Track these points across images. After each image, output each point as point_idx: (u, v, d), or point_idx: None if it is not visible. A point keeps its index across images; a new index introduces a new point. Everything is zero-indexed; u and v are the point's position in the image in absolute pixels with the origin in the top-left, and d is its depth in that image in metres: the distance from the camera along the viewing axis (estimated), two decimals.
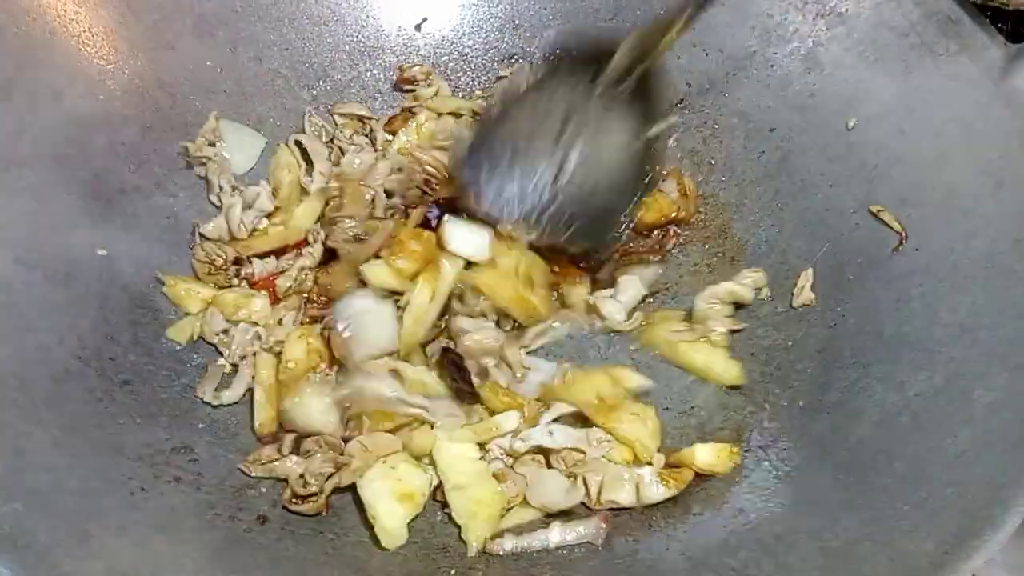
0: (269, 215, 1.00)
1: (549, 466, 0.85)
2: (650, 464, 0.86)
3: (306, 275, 0.95)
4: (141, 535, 0.72)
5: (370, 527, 0.80)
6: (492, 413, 0.88)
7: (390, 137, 1.05)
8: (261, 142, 1.04)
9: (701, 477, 0.85)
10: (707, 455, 0.85)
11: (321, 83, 1.08)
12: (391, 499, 0.80)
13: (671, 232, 1.02)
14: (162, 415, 0.84)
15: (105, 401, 0.81)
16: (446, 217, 0.91)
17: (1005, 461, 0.70)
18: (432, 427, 0.85)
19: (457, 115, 1.06)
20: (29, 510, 0.67)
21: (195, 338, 0.91)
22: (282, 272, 0.96)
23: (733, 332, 0.94)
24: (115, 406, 0.81)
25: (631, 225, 0.94)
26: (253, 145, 1.04)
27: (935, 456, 0.73)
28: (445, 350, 0.90)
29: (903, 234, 0.88)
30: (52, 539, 0.66)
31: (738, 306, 0.96)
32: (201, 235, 0.97)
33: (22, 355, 0.78)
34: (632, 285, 0.97)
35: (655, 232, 1.02)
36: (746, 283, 0.96)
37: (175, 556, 0.71)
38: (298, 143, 1.02)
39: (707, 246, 1.02)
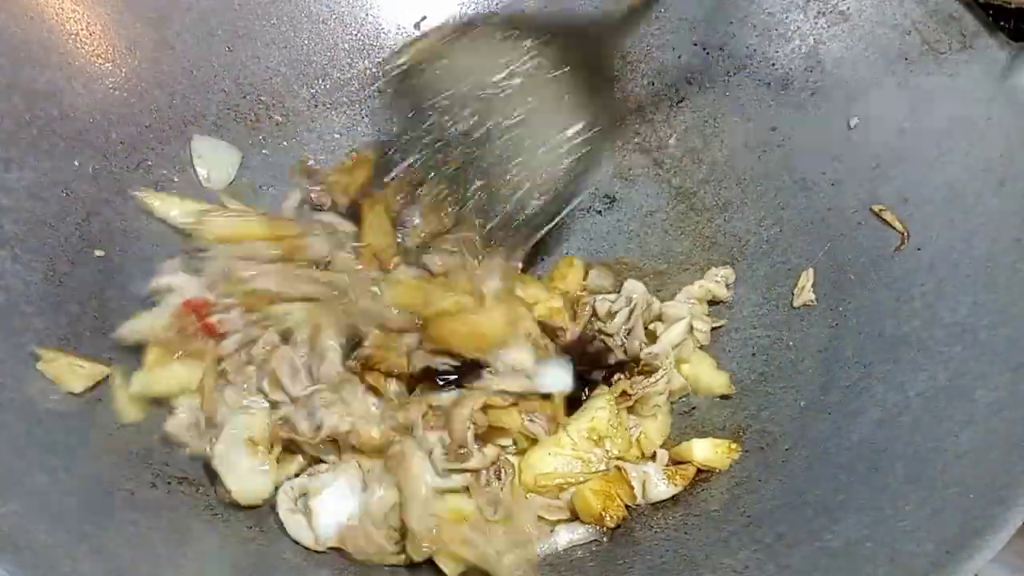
0: None
1: None
2: (654, 460, 0.86)
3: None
4: (140, 536, 0.71)
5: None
6: None
7: None
8: (237, 156, 1.02)
9: (702, 477, 0.85)
10: (705, 450, 0.85)
11: (320, 81, 1.08)
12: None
13: None
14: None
15: (104, 401, 0.81)
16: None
17: (1007, 461, 0.70)
18: None
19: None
20: (28, 511, 0.67)
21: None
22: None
23: (715, 329, 0.95)
24: None
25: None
26: (230, 160, 1.02)
27: (936, 456, 0.73)
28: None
29: (905, 233, 0.88)
30: (51, 540, 0.66)
31: (712, 303, 0.98)
32: None
33: (20, 355, 0.78)
34: (635, 288, 0.97)
35: None
36: (719, 280, 0.96)
37: (174, 557, 0.71)
38: None
39: (707, 246, 1.02)
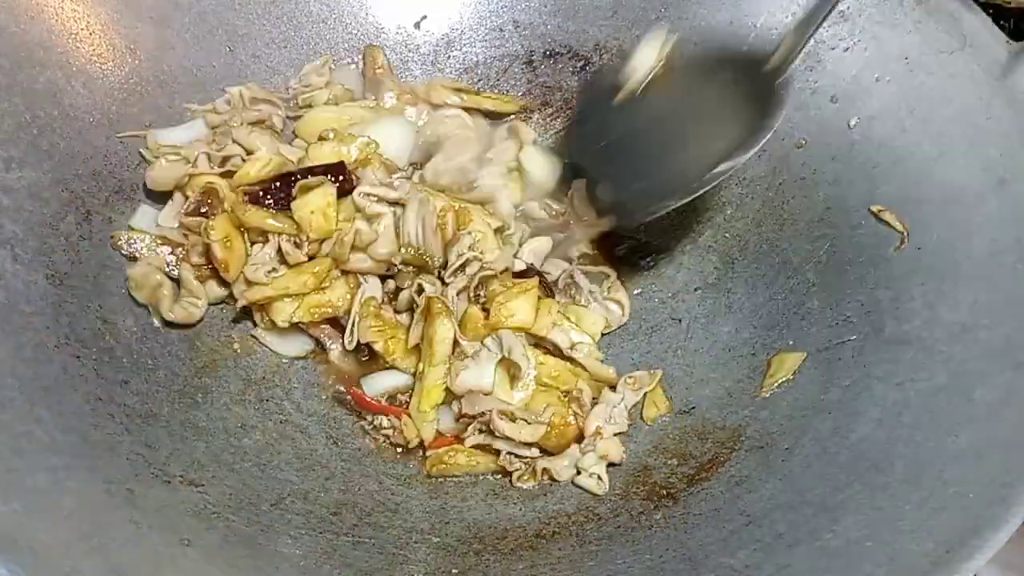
0: None
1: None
2: None
3: None
4: (141, 534, 0.71)
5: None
6: None
7: None
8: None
9: (702, 478, 0.85)
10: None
11: None
12: None
13: None
14: (161, 414, 0.84)
15: (104, 401, 0.81)
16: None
17: (1006, 460, 0.70)
18: None
19: None
20: (28, 510, 0.67)
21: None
22: None
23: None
24: (114, 406, 0.81)
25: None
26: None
27: (936, 456, 0.73)
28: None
29: (904, 233, 0.88)
30: (52, 539, 0.66)
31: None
32: None
33: (21, 355, 0.78)
34: None
35: None
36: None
37: (174, 555, 0.71)
38: None
39: (707, 246, 1.02)
